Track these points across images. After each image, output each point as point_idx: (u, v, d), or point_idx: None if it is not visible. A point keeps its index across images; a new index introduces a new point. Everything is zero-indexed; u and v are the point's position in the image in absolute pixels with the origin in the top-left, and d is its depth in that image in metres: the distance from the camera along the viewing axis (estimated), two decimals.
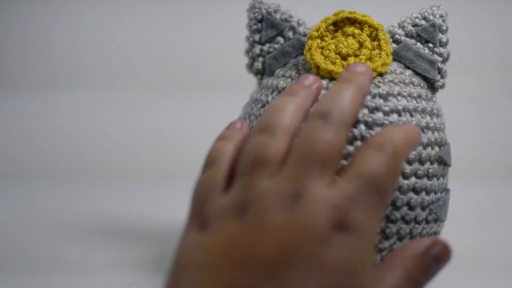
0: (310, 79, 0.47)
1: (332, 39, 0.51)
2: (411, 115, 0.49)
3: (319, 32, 0.51)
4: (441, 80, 0.53)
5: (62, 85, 0.92)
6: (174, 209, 0.53)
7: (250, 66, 0.55)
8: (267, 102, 0.51)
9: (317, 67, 0.50)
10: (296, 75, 0.51)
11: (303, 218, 0.36)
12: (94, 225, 0.70)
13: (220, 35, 0.91)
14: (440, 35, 0.53)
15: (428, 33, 0.53)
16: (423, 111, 0.50)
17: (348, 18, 0.52)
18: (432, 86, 0.53)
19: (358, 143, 0.47)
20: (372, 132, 0.47)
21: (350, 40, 0.51)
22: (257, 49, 0.54)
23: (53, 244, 0.65)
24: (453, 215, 0.55)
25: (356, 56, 0.51)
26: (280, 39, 0.54)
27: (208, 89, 0.90)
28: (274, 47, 0.54)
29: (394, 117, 0.48)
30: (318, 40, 0.51)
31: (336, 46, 0.51)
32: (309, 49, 0.51)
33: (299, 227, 0.36)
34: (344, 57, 0.51)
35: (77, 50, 0.93)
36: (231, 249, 0.36)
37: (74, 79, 0.92)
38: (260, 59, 0.54)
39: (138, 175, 0.83)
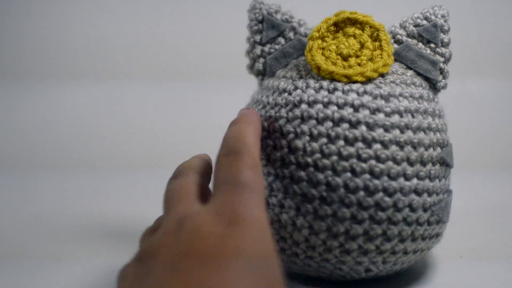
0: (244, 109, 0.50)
1: (333, 39, 0.51)
2: (413, 116, 0.48)
3: (320, 32, 0.51)
4: (443, 80, 0.52)
5: (61, 76, 0.93)
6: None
7: (251, 67, 0.55)
8: (268, 103, 0.50)
9: (318, 68, 0.49)
10: (297, 76, 0.51)
11: (191, 230, 0.38)
12: (90, 216, 0.70)
13: (222, 27, 0.91)
14: (442, 35, 0.53)
15: (429, 33, 0.52)
16: (425, 112, 0.49)
17: (349, 19, 0.51)
18: (434, 87, 0.52)
19: (360, 144, 0.46)
20: (373, 133, 0.47)
21: (351, 40, 0.51)
22: (258, 50, 0.54)
23: (49, 235, 0.65)
24: (457, 214, 0.55)
25: (357, 56, 0.50)
26: (281, 40, 0.54)
27: (207, 81, 0.90)
28: (275, 47, 0.54)
29: (395, 118, 0.48)
30: (319, 41, 0.51)
31: (337, 46, 0.50)
32: (310, 50, 0.50)
33: (189, 236, 0.38)
34: (345, 58, 0.50)
35: (76, 42, 0.93)
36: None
37: (72, 70, 0.93)
38: (261, 60, 0.54)
39: (134, 166, 0.83)
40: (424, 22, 0.53)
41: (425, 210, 0.48)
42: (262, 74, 0.54)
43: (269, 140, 0.49)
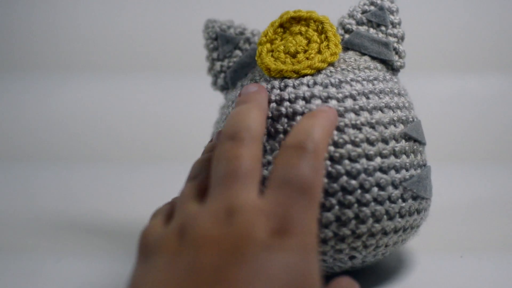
0: (253, 86, 0.49)
1: (281, 40, 0.52)
2: (367, 98, 0.49)
3: (268, 36, 0.52)
4: (400, 60, 0.53)
5: (64, 69, 0.95)
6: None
7: (215, 83, 0.56)
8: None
9: (268, 70, 0.50)
10: (253, 82, 0.52)
11: (239, 228, 0.37)
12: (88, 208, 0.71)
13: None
14: (391, 16, 0.53)
15: (377, 16, 0.53)
16: (381, 91, 0.49)
17: (293, 18, 0.52)
18: (392, 68, 0.53)
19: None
20: None
21: (298, 38, 0.52)
22: (217, 66, 0.55)
23: (51, 229, 0.66)
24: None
25: (305, 51, 0.51)
26: (238, 53, 0.55)
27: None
28: (233, 61, 0.55)
29: (348, 102, 0.48)
30: (268, 45, 0.52)
31: (284, 46, 0.51)
32: (260, 54, 0.51)
33: (236, 236, 0.36)
34: (293, 55, 0.51)
35: (80, 35, 0.96)
36: (173, 266, 0.37)
37: (75, 63, 0.95)
38: (222, 75, 0.55)
39: (139, 159, 0.84)
40: (371, 7, 0.53)
41: (395, 187, 0.48)
42: (225, 88, 0.56)
43: None
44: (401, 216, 0.48)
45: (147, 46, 0.96)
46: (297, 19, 0.52)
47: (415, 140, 0.50)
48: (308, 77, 0.49)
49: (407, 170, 0.49)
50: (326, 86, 0.49)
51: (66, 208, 0.71)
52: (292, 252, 0.36)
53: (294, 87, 0.49)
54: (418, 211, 0.50)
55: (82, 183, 0.78)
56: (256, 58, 0.52)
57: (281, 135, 0.47)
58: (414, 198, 0.49)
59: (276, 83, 0.50)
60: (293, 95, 0.48)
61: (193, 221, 0.38)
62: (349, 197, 0.46)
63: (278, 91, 0.49)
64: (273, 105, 0.48)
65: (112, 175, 0.80)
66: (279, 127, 0.48)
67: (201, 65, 0.59)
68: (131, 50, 0.96)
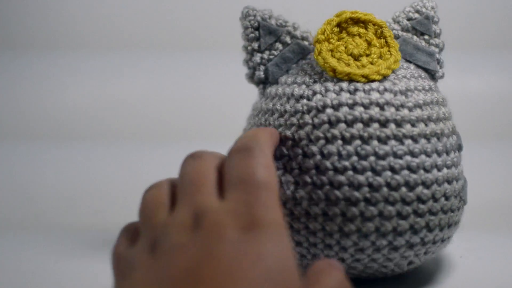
0: None
1: (338, 40, 0.51)
2: (431, 108, 0.50)
3: (325, 34, 0.51)
4: (441, 70, 0.54)
5: (75, 47, 0.93)
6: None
7: (251, 76, 0.53)
8: (285, 111, 0.50)
9: (334, 70, 0.49)
10: (310, 80, 0.50)
11: (208, 230, 0.38)
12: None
13: None
14: (434, 26, 0.54)
15: (423, 25, 0.54)
16: (437, 102, 0.51)
17: (351, 18, 0.52)
18: (433, 77, 0.54)
19: (393, 142, 0.47)
20: (402, 130, 0.47)
21: (358, 40, 0.51)
22: (257, 57, 0.53)
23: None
24: None
25: (367, 55, 0.51)
26: (279, 45, 0.53)
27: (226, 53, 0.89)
28: (274, 54, 0.53)
29: (418, 112, 0.49)
30: (326, 43, 0.51)
31: (346, 47, 0.51)
32: (320, 52, 0.50)
33: (206, 237, 0.37)
34: (356, 58, 0.50)
35: (87, 12, 0.93)
36: (147, 279, 0.38)
37: (84, 41, 0.93)
38: (262, 67, 0.53)
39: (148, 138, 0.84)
40: (416, 15, 0.54)
41: (455, 197, 0.49)
42: (264, 82, 0.53)
43: (298, 149, 0.49)
44: (455, 224, 0.51)
45: (161, 22, 0.93)
46: (355, 20, 0.52)
47: (461, 149, 0.52)
48: (377, 83, 0.49)
49: (460, 180, 0.51)
50: (395, 94, 0.49)
51: (73, 185, 0.71)
52: (263, 243, 0.37)
53: (364, 92, 0.48)
54: (457, 222, 0.52)
55: (99, 162, 0.77)
56: (315, 57, 0.50)
57: (358, 141, 0.47)
58: (462, 206, 0.51)
59: (344, 85, 0.49)
60: (366, 100, 0.48)
61: (163, 234, 0.39)
62: (423, 207, 0.47)
63: (348, 95, 0.48)
64: (345, 108, 0.48)
65: (133, 154, 0.79)
66: (355, 132, 0.47)
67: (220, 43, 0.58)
68: (145, 26, 0.93)
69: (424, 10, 0.54)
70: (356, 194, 0.47)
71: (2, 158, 0.80)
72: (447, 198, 0.49)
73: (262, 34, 0.52)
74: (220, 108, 0.83)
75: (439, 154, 0.49)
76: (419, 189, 0.47)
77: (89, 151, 0.81)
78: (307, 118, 0.48)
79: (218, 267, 0.36)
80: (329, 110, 0.48)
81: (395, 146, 0.47)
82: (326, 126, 0.48)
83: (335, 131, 0.47)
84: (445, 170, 0.49)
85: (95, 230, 0.66)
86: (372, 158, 0.47)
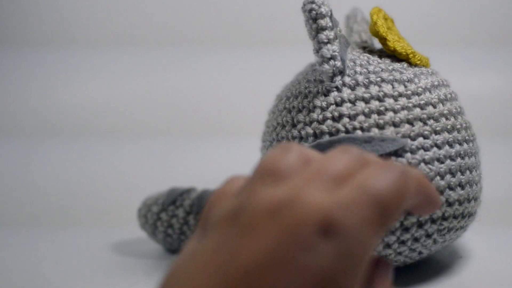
0: None
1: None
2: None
3: (383, 28, 0.53)
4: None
5: (81, 41, 0.93)
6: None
7: (333, 67, 0.49)
8: (400, 95, 0.50)
9: (414, 56, 0.53)
10: (397, 65, 0.52)
11: (288, 222, 0.34)
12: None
13: None
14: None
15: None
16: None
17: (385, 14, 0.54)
18: None
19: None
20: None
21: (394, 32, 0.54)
22: (336, 47, 0.49)
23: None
24: None
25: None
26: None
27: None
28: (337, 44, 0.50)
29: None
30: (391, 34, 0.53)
31: (398, 37, 0.54)
32: (394, 41, 0.52)
33: (283, 231, 0.34)
34: None
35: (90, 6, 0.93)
36: (215, 255, 0.35)
37: (91, 36, 0.93)
38: (339, 57, 0.50)
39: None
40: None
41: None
42: (340, 74, 0.50)
43: None
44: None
45: (170, 16, 0.93)
46: (385, 17, 0.54)
47: None
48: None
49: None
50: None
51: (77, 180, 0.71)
52: (331, 258, 0.33)
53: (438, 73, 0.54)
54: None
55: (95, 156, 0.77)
56: (392, 45, 0.52)
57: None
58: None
59: (424, 70, 0.52)
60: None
61: (250, 207, 0.35)
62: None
63: (435, 76, 0.53)
64: (444, 89, 0.52)
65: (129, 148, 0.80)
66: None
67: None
68: (158, 22, 0.93)
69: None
70: None
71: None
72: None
73: (334, 23, 0.50)
74: (229, 103, 0.84)
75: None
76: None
77: (91, 147, 0.81)
78: (418, 99, 0.50)
79: (279, 271, 0.33)
80: (437, 90, 0.51)
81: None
82: (431, 108, 0.50)
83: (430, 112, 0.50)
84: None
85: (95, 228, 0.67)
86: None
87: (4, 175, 0.75)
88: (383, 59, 0.52)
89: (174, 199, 0.58)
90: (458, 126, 0.51)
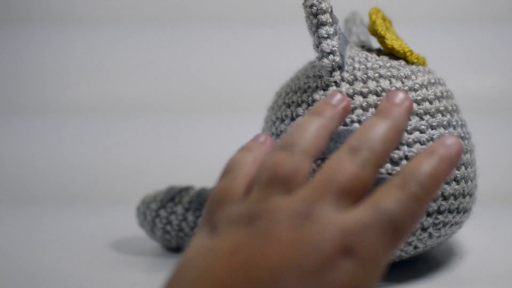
0: (337, 98, 0.44)
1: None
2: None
3: (382, 27, 0.54)
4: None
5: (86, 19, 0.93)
6: None
7: (332, 62, 0.50)
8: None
9: (411, 54, 0.53)
10: (394, 63, 0.52)
11: (310, 236, 0.36)
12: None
13: None
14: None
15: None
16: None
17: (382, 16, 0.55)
18: None
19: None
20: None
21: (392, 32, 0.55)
22: (335, 42, 0.50)
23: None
24: None
25: None
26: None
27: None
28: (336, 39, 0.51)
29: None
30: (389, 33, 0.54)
31: (395, 36, 0.55)
32: (392, 40, 0.53)
33: (305, 244, 0.36)
34: None
35: None
36: (235, 255, 0.36)
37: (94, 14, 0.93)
38: (339, 53, 0.50)
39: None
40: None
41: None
42: (339, 68, 0.51)
43: None
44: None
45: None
46: (384, 18, 0.55)
47: None
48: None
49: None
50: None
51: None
52: (352, 275, 0.35)
53: (432, 72, 0.55)
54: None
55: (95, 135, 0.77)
56: (390, 43, 0.53)
57: None
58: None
59: (421, 68, 0.53)
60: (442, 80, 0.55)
61: (268, 215, 0.37)
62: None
63: (431, 74, 0.54)
64: (440, 87, 0.53)
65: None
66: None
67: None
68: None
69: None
70: None
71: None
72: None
73: (334, 19, 0.51)
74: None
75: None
76: None
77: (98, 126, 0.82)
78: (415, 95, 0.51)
79: (301, 280, 0.35)
80: (433, 88, 0.52)
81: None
82: (427, 104, 0.51)
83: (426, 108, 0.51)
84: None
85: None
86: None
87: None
88: (381, 56, 0.53)
89: (172, 196, 0.59)
90: (454, 123, 0.52)
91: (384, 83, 0.50)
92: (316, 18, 0.49)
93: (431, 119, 0.50)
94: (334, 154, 0.39)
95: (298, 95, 0.52)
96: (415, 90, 0.51)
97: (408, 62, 0.53)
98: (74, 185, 0.74)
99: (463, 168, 0.51)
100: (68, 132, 0.81)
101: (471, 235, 0.59)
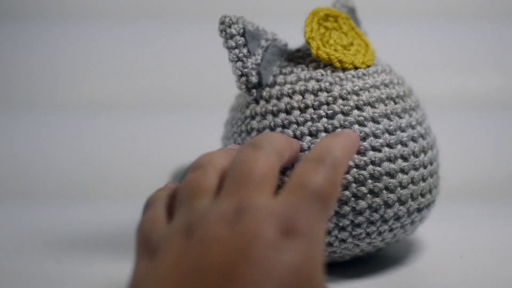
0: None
1: (318, 35, 0.53)
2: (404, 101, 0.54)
3: (313, 32, 0.53)
4: None
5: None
6: None
7: (246, 83, 0.53)
8: (306, 106, 0.51)
9: (340, 61, 0.52)
10: (316, 74, 0.52)
11: (248, 227, 0.38)
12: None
13: None
14: (357, 16, 0.59)
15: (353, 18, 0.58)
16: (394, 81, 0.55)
17: (326, 14, 0.54)
18: None
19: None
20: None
21: (336, 33, 0.54)
22: (249, 63, 0.52)
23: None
24: None
25: (352, 44, 0.54)
26: (259, 50, 0.54)
27: None
28: (258, 58, 0.53)
29: (401, 104, 0.53)
30: (319, 39, 0.53)
31: (334, 40, 0.53)
32: (318, 48, 0.52)
33: (246, 236, 0.37)
34: (345, 48, 0.53)
35: None
36: (180, 265, 0.38)
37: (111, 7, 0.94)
38: (255, 72, 0.53)
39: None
40: (343, 9, 0.57)
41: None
42: (259, 86, 0.53)
43: None
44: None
45: None
46: (329, 16, 0.54)
47: None
48: (373, 68, 0.53)
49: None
50: (388, 75, 0.54)
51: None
52: (298, 252, 0.37)
53: (371, 75, 0.53)
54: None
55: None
56: (315, 52, 0.52)
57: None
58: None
59: (353, 72, 0.52)
60: (378, 82, 0.52)
61: (201, 221, 0.39)
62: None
63: (362, 80, 0.52)
64: (367, 93, 0.51)
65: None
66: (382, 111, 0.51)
67: None
68: None
69: (348, 4, 0.58)
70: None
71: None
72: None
73: (248, 39, 0.53)
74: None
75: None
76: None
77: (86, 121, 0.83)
78: (335, 107, 0.50)
79: (252, 269, 0.36)
80: (354, 97, 0.51)
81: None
82: (356, 111, 0.50)
83: (365, 114, 0.50)
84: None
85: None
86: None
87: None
88: (309, 65, 0.53)
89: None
90: (391, 128, 0.51)
91: (295, 99, 0.51)
92: (227, 43, 0.52)
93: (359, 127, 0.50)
94: (237, 154, 0.43)
95: (236, 112, 0.54)
96: (328, 104, 0.51)
97: (338, 68, 0.52)
98: (74, 183, 0.74)
99: (429, 165, 0.52)
100: (68, 129, 0.81)
101: (430, 230, 0.59)
